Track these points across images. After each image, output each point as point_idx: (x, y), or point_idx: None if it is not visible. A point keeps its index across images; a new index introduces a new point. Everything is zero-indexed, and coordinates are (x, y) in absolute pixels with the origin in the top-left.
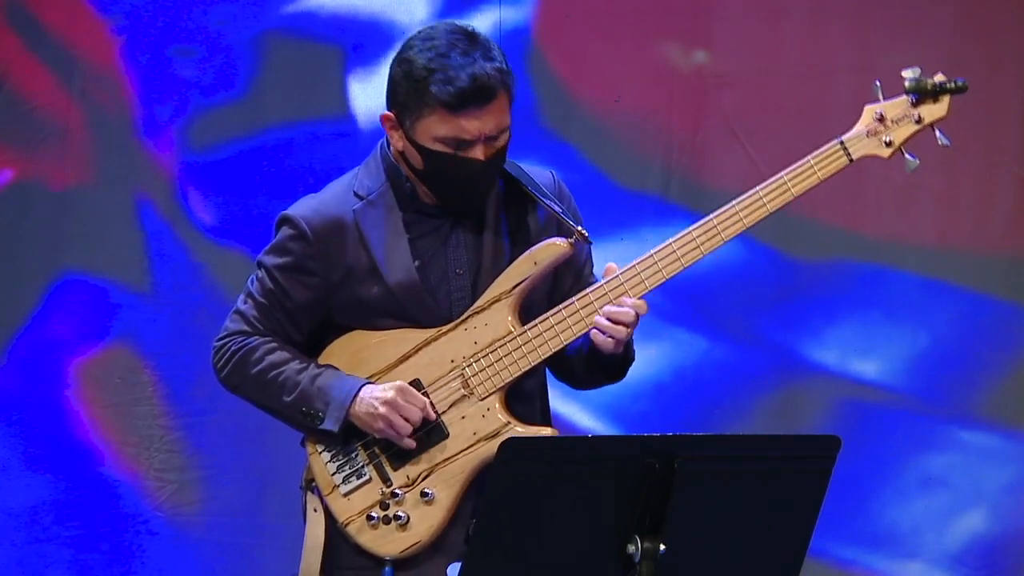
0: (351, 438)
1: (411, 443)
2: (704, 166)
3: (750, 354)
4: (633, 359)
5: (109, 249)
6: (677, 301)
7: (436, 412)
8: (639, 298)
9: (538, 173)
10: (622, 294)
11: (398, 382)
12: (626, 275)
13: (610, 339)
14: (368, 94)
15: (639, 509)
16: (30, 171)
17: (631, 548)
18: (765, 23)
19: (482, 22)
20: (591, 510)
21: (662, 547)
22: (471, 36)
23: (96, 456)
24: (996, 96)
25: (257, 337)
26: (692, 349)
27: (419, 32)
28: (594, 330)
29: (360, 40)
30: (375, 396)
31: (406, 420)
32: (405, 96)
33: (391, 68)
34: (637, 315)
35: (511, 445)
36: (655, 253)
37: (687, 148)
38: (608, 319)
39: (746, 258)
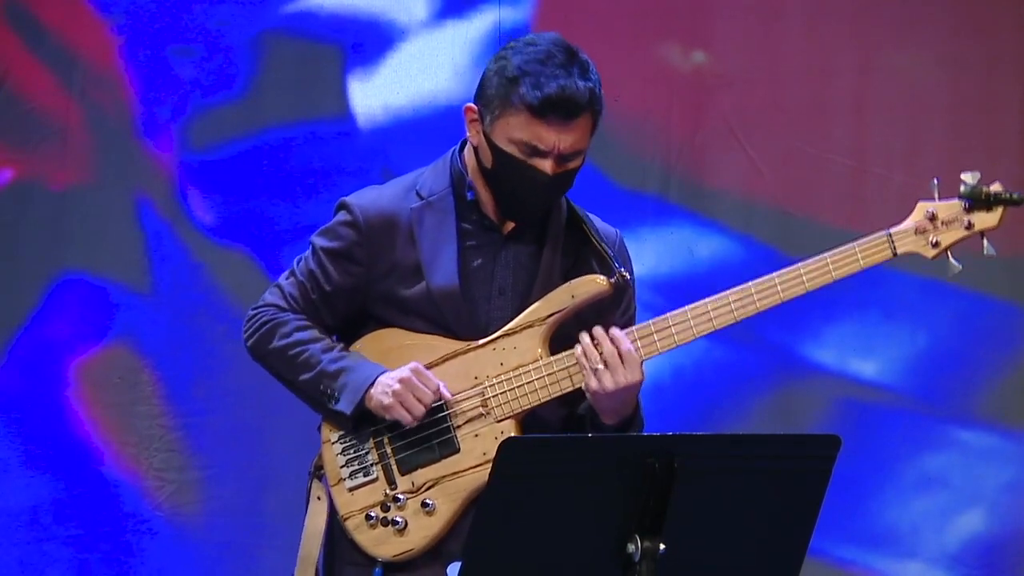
0: (364, 431)
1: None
2: (703, 166)
3: (750, 354)
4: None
5: (109, 249)
6: (676, 301)
7: (448, 404)
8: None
9: (605, 226)
10: (651, 343)
11: (412, 363)
12: (657, 325)
13: (592, 378)
14: (367, 94)
15: (639, 509)
16: (30, 171)
17: (631, 548)
18: (765, 23)
19: (481, 22)
20: (591, 510)
21: (662, 547)
22: (572, 52)
23: (96, 456)
24: (996, 96)
25: (290, 313)
26: (691, 349)
27: (524, 36)
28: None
29: (360, 40)
30: (391, 376)
31: (418, 400)
32: (493, 92)
33: (487, 65)
34: (619, 353)
35: (511, 445)
36: (689, 310)
37: (686, 148)
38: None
39: (746, 258)
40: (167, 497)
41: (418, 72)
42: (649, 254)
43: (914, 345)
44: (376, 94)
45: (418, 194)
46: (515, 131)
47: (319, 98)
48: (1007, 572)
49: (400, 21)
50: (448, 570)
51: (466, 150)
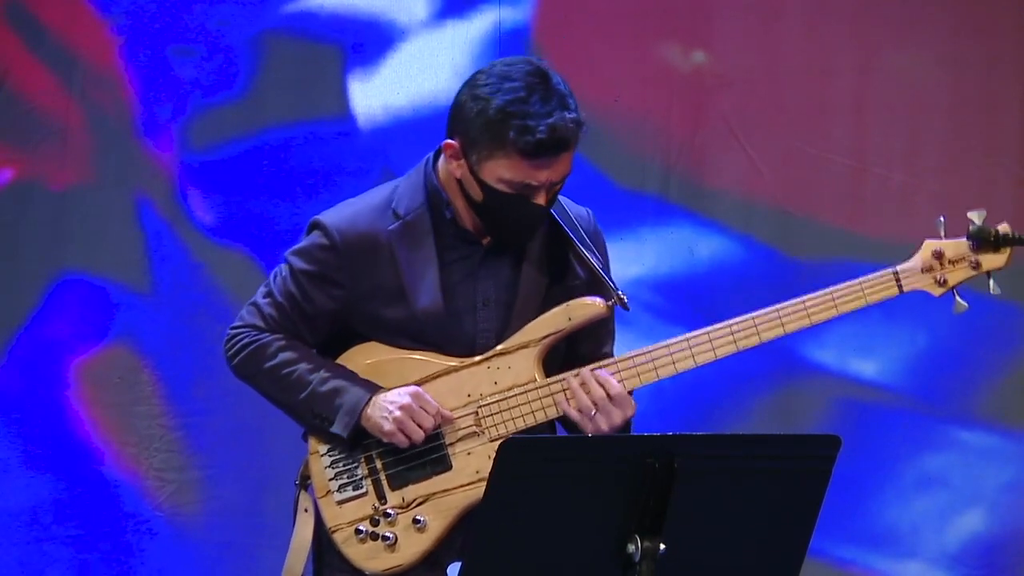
0: (356, 445)
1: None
2: (703, 166)
3: (750, 354)
4: None
5: (109, 249)
6: (677, 301)
7: (442, 428)
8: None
9: (577, 210)
10: (649, 370)
11: (412, 387)
12: (658, 352)
13: (588, 423)
14: (368, 94)
15: (639, 509)
16: (30, 171)
17: (631, 548)
18: (765, 23)
19: (481, 22)
20: (591, 510)
21: (662, 547)
22: (547, 79)
23: (96, 456)
24: (996, 95)
25: (269, 333)
26: None
27: (493, 67)
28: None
29: (360, 40)
30: (390, 400)
31: (419, 426)
32: (477, 133)
33: (460, 98)
34: (609, 397)
35: (511, 445)
36: (690, 337)
37: (686, 148)
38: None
39: (746, 258)
40: (167, 497)
41: (418, 72)
42: (649, 254)
43: (914, 345)
44: (376, 94)
45: (394, 212)
46: (506, 172)
47: (319, 98)
48: (1007, 572)
49: (400, 21)
50: (448, 570)
51: (441, 162)
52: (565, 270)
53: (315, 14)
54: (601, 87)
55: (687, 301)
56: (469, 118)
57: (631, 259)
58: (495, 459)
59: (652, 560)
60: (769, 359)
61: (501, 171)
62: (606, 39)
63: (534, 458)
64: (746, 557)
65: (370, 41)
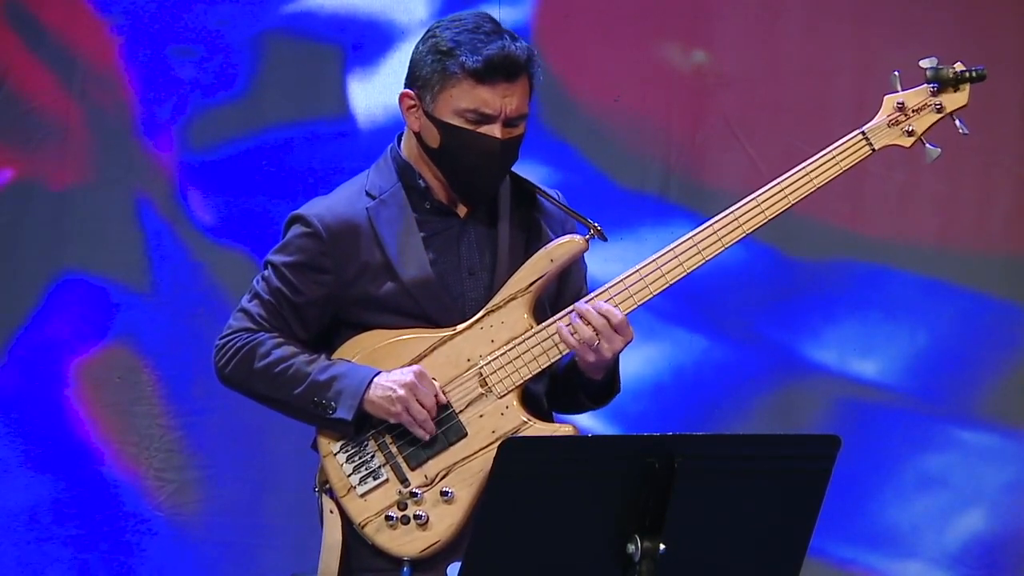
0: (363, 434)
1: (424, 433)
2: (704, 166)
3: (750, 354)
4: (617, 391)
5: (109, 249)
6: (677, 301)
7: (448, 401)
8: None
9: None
10: (643, 289)
11: (415, 366)
12: (647, 269)
13: (590, 353)
14: (368, 94)
15: (639, 509)
16: (30, 171)
17: (631, 548)
18: (765, 23)
19: None
20: (591, 510)
21: (662, 547)
22: (497, 22)
23: (96, 456)
24: (995, 95)
25: (263, 333)
26: (692, 349)
27: (444, 18)
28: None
29: (360, 40)
30: (393, 380)
31: (422, 405)
32: (429, 70)
33: (414, 49)
34: (611, 324)
35: (511, 445)
36: (678, 245)
37: (687, 148)
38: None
39: (746, 258)
40: (167, 497)
41: None
42: (649, 254)
43: (914, 345)
44: (376, 94)
45: (368, 194)
46: (459, 101)
47: (319, 98)
48: (1007, 572)
49: (400, 21)
50: (448, 570)
51: (404, 142)
52: (543, 227)
53: (315, 14)
54: (601, 87)
55: (687, 301)
56: (420, 59)
57: (631, 259)
58: (495, 459)
59: (652, 560)
60: (769, 359)
61: (454, 101)
62: (606, 39)
63: (534, 458)
64: (746, 557)
65: (370, 41)
